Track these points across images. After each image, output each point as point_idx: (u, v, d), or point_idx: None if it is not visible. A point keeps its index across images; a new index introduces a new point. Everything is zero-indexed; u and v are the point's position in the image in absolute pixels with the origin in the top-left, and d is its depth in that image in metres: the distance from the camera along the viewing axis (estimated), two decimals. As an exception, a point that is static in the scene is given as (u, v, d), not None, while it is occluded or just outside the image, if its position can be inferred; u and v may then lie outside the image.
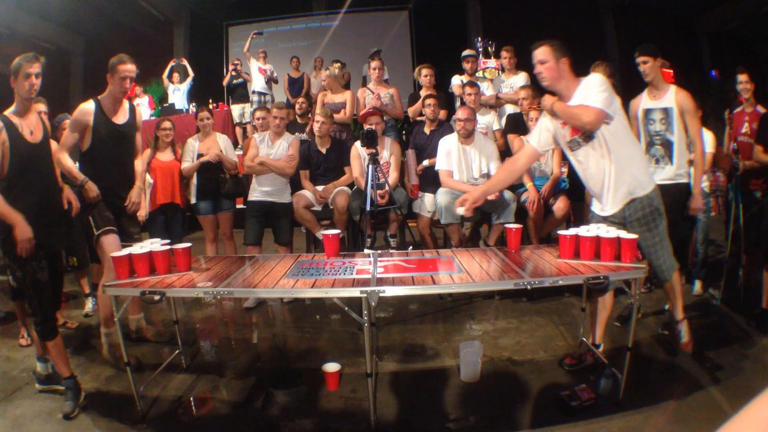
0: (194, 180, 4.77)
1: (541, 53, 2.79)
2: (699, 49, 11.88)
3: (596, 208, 2.98)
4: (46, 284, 2.85)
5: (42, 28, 11.05)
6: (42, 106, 3.90)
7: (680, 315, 3.20)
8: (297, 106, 6.12)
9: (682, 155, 3.50)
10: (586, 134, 2.77)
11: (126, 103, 3.60)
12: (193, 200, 4.79)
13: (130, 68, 3.40)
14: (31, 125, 2.88)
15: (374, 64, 6.05)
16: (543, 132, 2.99)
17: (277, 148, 4.65)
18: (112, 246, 3.26)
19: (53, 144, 3.19)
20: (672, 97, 3.47)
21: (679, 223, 3.60)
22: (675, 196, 3.44)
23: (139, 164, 3.73)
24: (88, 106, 3.41)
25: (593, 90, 2.67)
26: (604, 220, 2.89)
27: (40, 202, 2.88)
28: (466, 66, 5.86)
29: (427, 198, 4.69)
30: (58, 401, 2.92)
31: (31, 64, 2.76)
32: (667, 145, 3.50)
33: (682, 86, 3.99)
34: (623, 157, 2.77)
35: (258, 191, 4.64)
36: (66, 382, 2.90)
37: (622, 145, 2.77)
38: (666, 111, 3.48)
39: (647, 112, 3.56)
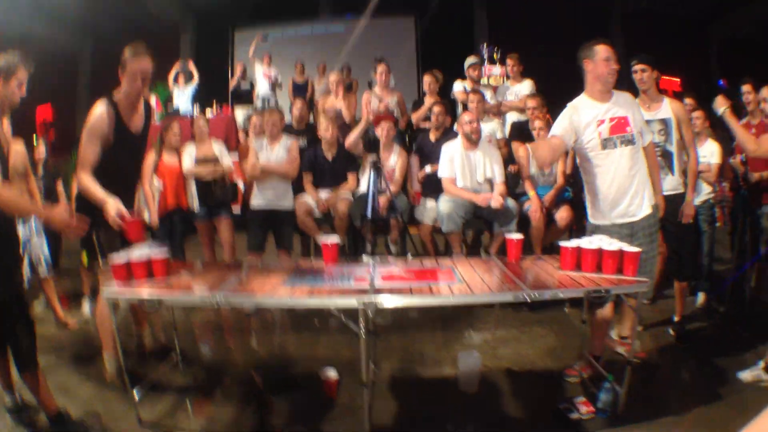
0: (192, 186, 4.70)
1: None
2: (709, 56, 11.80)
3: (614, 215, 2.86)
4: None
5: (48, 31, 11.08)
6: None
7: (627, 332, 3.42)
8: (295, 112, 5.50)
9: (681, 165, 3.51)
10: (626, 138, 2.79)
11: (142, 104, 3.00)
12: (196, 207, 4.70)
13: (145, 66, 2.79)
14: None
15: (380, 68, 5.81)
16: (568, 126, 2.85)
17: (276, 153, 4.59)
18: None
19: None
20: (668, 108, 3.48)
21: (687, 233, 3.59)
22: (677, 206, 3.43)
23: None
24: (105, 109, 2.78)
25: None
26: (620, 228, 2.83)
27: None
28: (473, 74, 5.78)
29: (429, 205, 4.66)
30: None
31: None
32: (667, 156, 3.48)
33: (689, 95, 3.95)
34: (643, 166, 2.88)
35: (260, 198, 4.57)
36: None
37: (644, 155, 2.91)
38: (665, 122, 3.48)
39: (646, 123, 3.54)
